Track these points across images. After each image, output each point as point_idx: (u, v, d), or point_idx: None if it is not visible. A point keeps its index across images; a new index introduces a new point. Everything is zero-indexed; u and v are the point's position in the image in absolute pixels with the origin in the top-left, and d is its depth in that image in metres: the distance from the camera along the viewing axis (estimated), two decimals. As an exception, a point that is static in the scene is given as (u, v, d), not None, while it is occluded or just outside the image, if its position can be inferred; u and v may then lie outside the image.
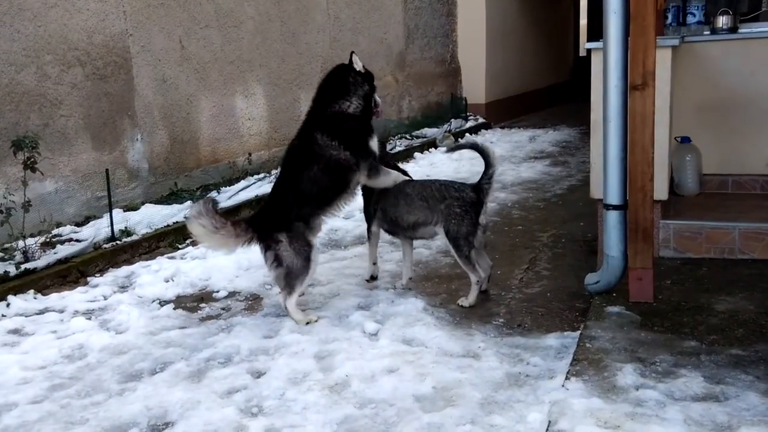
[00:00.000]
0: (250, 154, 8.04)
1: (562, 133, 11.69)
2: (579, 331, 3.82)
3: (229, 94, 7.86)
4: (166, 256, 5.74)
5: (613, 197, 3.73)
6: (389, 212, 4.54)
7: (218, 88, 7.69)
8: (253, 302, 4.70)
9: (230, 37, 7.76)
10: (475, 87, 12.60)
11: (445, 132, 11.01)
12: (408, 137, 10.61)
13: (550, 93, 15.77)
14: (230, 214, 6.76)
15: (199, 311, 4.59)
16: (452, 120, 11.66)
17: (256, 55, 8.15)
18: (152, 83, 6.91)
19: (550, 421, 2.74)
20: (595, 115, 4.40)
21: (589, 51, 4.35)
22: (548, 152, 10.02)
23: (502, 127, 12.60)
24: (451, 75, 12.58)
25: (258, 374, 3.63)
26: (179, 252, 5.84)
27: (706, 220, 4.42)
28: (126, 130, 6.68)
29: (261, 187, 7.45)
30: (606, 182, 3.74)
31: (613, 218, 3.76)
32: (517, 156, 9.78)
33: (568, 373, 3.14)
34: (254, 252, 5.58)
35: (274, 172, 7.93)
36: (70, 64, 6.09)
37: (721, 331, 3.40)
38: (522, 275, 4.92)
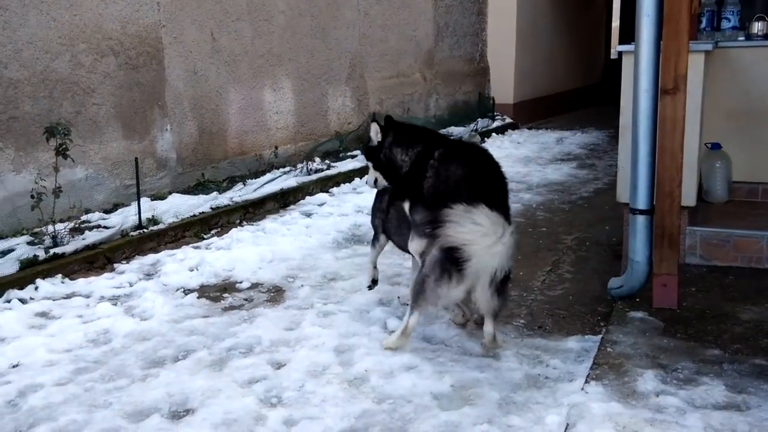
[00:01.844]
0: (276, 148, 8.09)
1: (590, 136, 11.59)
2: (600, 335, 3.81)
3: (258, 88, 7.91)
4: (191, 245, 5.81)
5: (641, 202, 3.71)
6: (391, 233, 4.26)
7: (247, 81, 7.75)
8: (276, 294, 4.74)
9: (261, 31, 7.82)
10: (503, 87, 12.53)
11: (472, 131, 10.97)
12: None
13: (579, 95, 15.63)
14: (256, 206, 6.85)
15: (222, 301, 4.64)
16: (479, 119, 11.62)
17: (286, 50, 8.20)
18: (183, 74, 6.98)
19: (568, 424, 2.74)
20: (625, 119, 4.37)
21: (620, 54, 4.31)
22: (575, 154, 9.95)
23: (530, 128, 12.52)
24: (479, 74, 12.54)
25: (278, 365, 3.66)
26: (204, 242, 5.91)
27: (734, 228, 4.37)
28: (156, 120, 6.76)
29: (286, 180, 7.51)
30: (634, 187, 3.72)
31: (639, 223, 3.74)
32: (543, 157, 9.73)
33: (588, 376, 3.13)
34: (277, 244, 5.70)
35: (299, 165, 7.98)
36: (104, 53, 6.18)
37: (745, 341, 3.37)
38: (545, 277, 4.90)
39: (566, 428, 2.72)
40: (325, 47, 8.83)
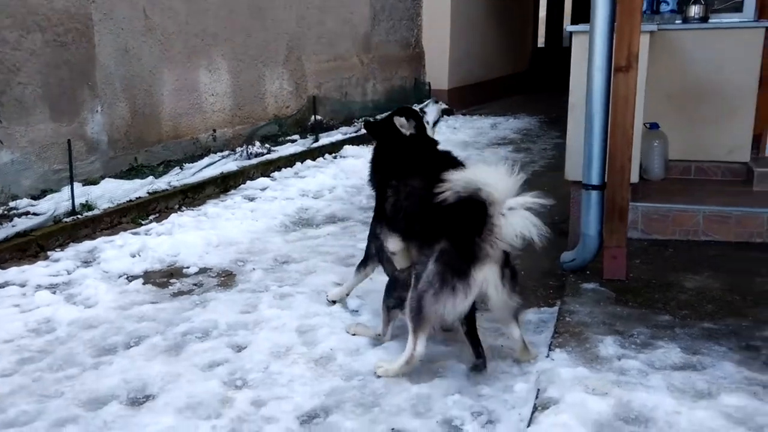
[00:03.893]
0: (214, 131, 7.92)
1: (522, 121, 11.85)
2: (555, 307, 3.92)
3: (193, 68, 7.70)
4: (129, 231, 5.61)
5: (594, 177, 3.81)
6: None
7: (182, 61, 7.52)
8: (226, 278, 4.64)
9: (195, 9, 7.59)
10: (438, 73, 12.64)
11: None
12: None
13: (509, 82, 15.95)
14: (195, 191, 6.68)
15: (170, 287, 4.51)
16: (416, 105, 11.65)
17: (222, 29, 8.00)
18: (114, 53, 6.71)
19: (539, 389, 2.80)
20: (574, 98, 4.48)
21: (570, 34, 4.41)
22: (510, 139, 10.15)
23: (464, 114, 12.69)
24: (415, 59, 12.60)
25: (239, 348, 3.59)
26: (143, 228, 5.72)
27: (673, 203, 4.56)
28: (86, 101, 6.48)
29: (226, 164, 7.36)
30: (588, 163, 3.82)
31: (592, 198, 3.85)
32: (480, 142, 9.88)
33: (551, 344, 3.21)
34: (222, 229, 5.58)
35: (239, 149, 7.82)
36: (30, 29, 5.87)
37: (691, 307, 3.53)
38: (494, 255, 4.98)
39: (537, 393, 2.79)
40: (262, 28, 8.66)
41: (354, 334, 3.63)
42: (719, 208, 4.45)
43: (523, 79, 17.02)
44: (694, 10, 4.92)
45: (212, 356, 3.49)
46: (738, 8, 5.03)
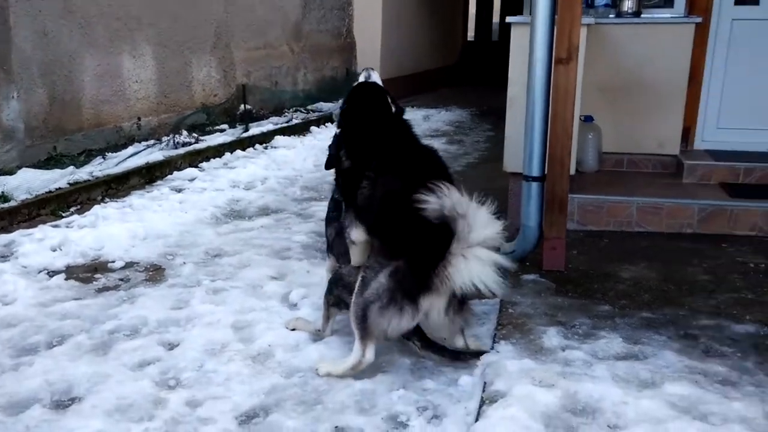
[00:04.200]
0: (139, 119, 7.58)
1: (454, 114, 11.90)
2: (497, 298, 3.90)
3: (116, 53, 7.34)
4: (49, 224, 5.28)
5: (535, 169, 3.82)
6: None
7: (104, 45, 7.15)
8: (155, 273, 4.43)
9: (119, -8, 7.24)
10: (370, 64, 12.45)
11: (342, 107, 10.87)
12: (303, 111, 10.41)
13: (440, 75, 16.00)
14: (119, 181, 6.38)
15: (94, 282, 4.26)
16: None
17: (146, 13, 7.65)
18: (31, 36, 6.31)
19: (485, 383, 2.77)
20: (513, 90, 4.48)
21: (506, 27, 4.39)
22: (443, 131, 10.17)
23: (395, 105, 12.63)
24: (346, 50, 12.45)
25: (170, 346, 3.42)
26: (64, 220, 5.40)
27: (607, 194, 4.63)
28: (0, 86, 6.07)
29: (151, 154, 7.05)
30: (529, 155, 3.81)
31: (533, 189, 3.85)
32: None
33: (495, 336, 3.18)
34: (150, 221, 5.33)
35: (165, 138, 7.52)
36: (-63, 9, 5.45)
37: (629, 297, 3.58)
38: (432, 246, 4.94)
39: (484, 387, 2.75)
40: (189, 13, 8.35)
41: (293, 329, 3.51)
42: (652, 199, 4.55)
43: (453, 73, 17.13)
44: (628, 5, 5.00)
45: (142, 355, 3.31)
46: (669, 4, 5.15)
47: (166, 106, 8.10)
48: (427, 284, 2.82)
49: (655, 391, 2.58)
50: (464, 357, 3.09)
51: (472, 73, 18.00)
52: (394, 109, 3.27)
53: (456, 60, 17.77)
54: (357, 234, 3.17)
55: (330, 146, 3.46)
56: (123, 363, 3.22)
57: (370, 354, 3.01)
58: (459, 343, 3.18)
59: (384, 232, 3.00)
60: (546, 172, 3.84)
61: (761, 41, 5.03)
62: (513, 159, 4.59)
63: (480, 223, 2.76)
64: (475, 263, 2.76)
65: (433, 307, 2.87)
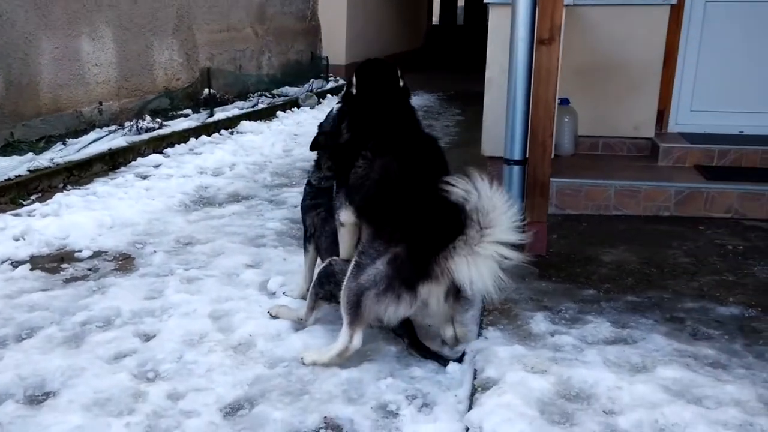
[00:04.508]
0: (100, 103, 7.32)
1: (422, 99, 11.83)
2: (479, 285, 3.87)
3: (74, 36, 7.06)
4: (9, 213, 5.07)
5: (516, 152, 3.76)
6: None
7: (62, 27, 6.87)
8: (125, 262, 4.28)
9: (77, -29, 6.96)
10: (335, 47, 12.38)
11: (308, 91, 10.73)
12: (269, 95, 10.22)
13: (405, 59, 15.89)
14: (81, 168, 6.17)
15: (61, 272, 4.10)
16: (313, 80, 11.38)
17: (106, -6, 7.39)
18: (-15, 16, 6.03)
19: (476, 369, 2.72)
20: (491, 72, 4.43)
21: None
22: (411, 115, 10.08)
23: (361, 90, 12.50)
24: (311, 33, 12.26)
25: (147, 337, 3.30)
26: (25, 209, 5.19)
27: (585, 178, 4.62)
28: (-47, 69, 5.80)
29: (114, 140, 6.83)
30: (510, 137, 3.76)
31: (514, 173, 3.80)
32: (381, 117, 9.75)
33: (482, 322, 3.14)
34: (116, 209, 5.16)
35: (127, 124, 7.29)
36: None
37: (613, 281, 3.57)
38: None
39: (475, 374, 2.70)
40: (150, -6, 8.09)
41: (276, 316, 3.41)
42: (629, 182, 4.56)
43: (418, 57, 17.06)
44: (604, -13, 4.98)
45: (118, 347, 3.18)
46: (645, -14, 5.14)
47: (127, 91, 7.85)
48: (428, 272, 2.71)
49: (648, 375, 2.56)
50: (442, 359, 3.02)
51: (437, 57, 17.96)
52: (402, 84, 3.13)
53: (421, 44, 17.70)
54: (346, 215, 3.05)
55: (321, 124, 3.37)
56: (98, 355, 3.09)
57: (357, 340, 2.92)
58: (448, 331, 3.12)
59: (380, 216, 2.88)
60: (527, 156, 3.80)
61: (733, 23, 5.06)
62: (491, 143, 4.56)
63: (501, 227, 2.65)
64: (481, 264, 2.63)
65: (432, 295, 2.77)
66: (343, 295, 2.90)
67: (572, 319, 3.12)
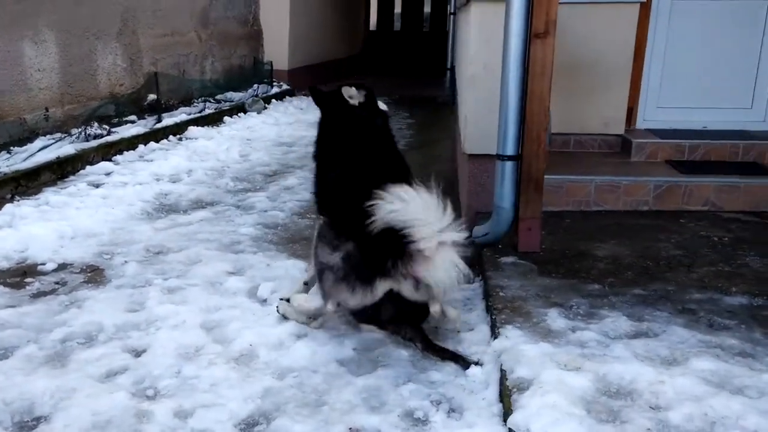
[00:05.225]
0: (47, 110, 6.90)
1: (368, 102, 11.73)
2: (476, 283, 3.79)
3: (15, 40, 6.63)
4: (-44, 226, 4.68)
5: (510, 148, 3.70)
6: None
7: (2, 30, 6.45)
8: (93, 274, 4.00)
9: (16, -30, 6.54)
10: (278, 53, 12.14)
11: (254, 96, 10.47)
12: (213, 100, 9.90)
13: (346, 64, 15.80)
14: (29, 177, 5.78)
15: (27, 287, 3.79)
16: (257, 85, 11.12)
17: (48, -5, 6.98)
18: None
19: (504, 370, 2.61)
20: (474, 69, 4.38)
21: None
22: (363, 119, 9.97)
23: (306, 95, 12.31)
24: (253, 38, 11.98)
25: (137, 352, 3.06)
26: (-27, 221, 4.81)
27: (565, 174, 4.59)
28: None
29: (62, 147, 6.44)
30: (504, 133, 3.69)
31: (507, 169, 3.74)
32: (333, 122, 9.60)
33: (495, 321, 3.04)
34: (75, 219, 4.83)
35: (74, 131, 6.89)
36: None
37: (613, 274, 3.53)
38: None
39: (504, 374, 2.59)
40: (93, -4, 7.70)
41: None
42: (609, 177, 4.56)
43: (358, 62, 16.97)
44: (576, -16, 4.99)
45: (108, 364, 2.94)
46: (617, -17, 5.19)
47: (71, 97, 7.43)
48: (384, 272, 2.81)
49: (683, 368, 2.51)
50: (463, 361, 2.93)
51: (376, 62, 17.93)
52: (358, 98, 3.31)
53: (360, 50, 17.62)
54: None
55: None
56: (88, 374, 2.84)
57: (331, 307, 3.04)
58: (435, 308, 3.00)
59: (334, 213, 3.07)
60: (521, 151, 3.74)
61: (698, 21, 5.15)
62: (475, 141, 4.48)
63: (432, 217, 2.74)
64: (438, 264, 2.74)
65: (397, 289, 2.87)
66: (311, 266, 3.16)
67: (586, 314, 3.06)
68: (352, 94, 3.28)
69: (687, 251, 3.82)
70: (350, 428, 2.51)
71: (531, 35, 3.56)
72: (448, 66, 13.70)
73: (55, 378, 2.79)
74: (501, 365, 2.68)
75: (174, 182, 6.11)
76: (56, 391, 2.70)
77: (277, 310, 3.32)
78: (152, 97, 8.67)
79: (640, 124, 5.39)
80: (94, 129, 7.00)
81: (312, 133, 3.44)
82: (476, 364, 2.87)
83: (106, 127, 7.27)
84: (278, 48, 12.27)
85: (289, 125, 9.16)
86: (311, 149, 3.42)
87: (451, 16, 13.35)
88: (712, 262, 3.65)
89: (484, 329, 3.18)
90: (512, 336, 2.84)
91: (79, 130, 6.87)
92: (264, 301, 3.57)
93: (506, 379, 2.55)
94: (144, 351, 3.06)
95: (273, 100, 11.04)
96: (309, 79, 13.08)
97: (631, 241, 4.00)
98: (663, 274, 3.50)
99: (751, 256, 3.71)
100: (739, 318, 2.97)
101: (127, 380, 2.81)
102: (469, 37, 4.66)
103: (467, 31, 4.99)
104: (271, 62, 11.75)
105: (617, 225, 4.32)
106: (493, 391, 2.65)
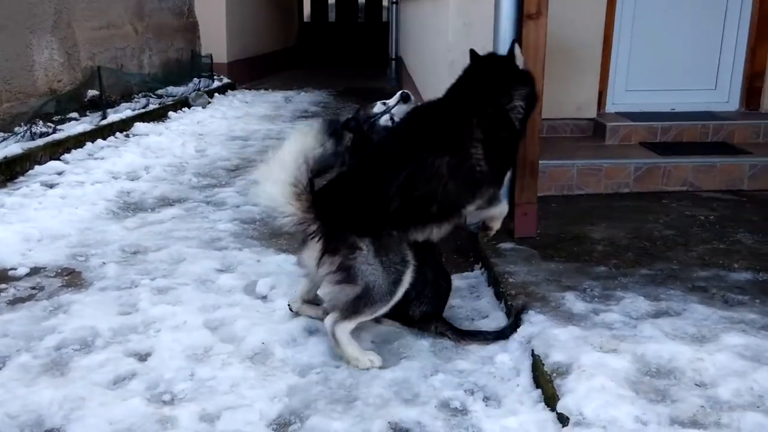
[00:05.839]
0: (-13, 106, 6.45)
1: (313, 95, 11.56)
2: (476, 271, 3.76)
3: (-54, 31, 6.17)
4: None
5: (505, 132, 3.66)
6: None
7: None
8: (71, 277, 3.75)
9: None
10: (216, 45, 11.80)
11: (196, 90, 10.14)
12: (153, 95, 9.52)
13: (281, 57, 15.55)
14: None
15: (1, 293, 3.51)
16: (197, 79, 10.76)
17: (-20, -16, 6.52)
18: None
19: (538, 355, 2.58)
20: (453, 55, 4.34)
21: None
22: (313, 111, 9.81)
23: (248, 89, 12.04)
24: (189, 30, 11.58)
25: (141, 356, 2.88)
26: (-73, 226, 4.44)
27: (547, 159, 4.61)
28: None
29: (7, 147, 6.04)
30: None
31: (504, 154, 3.70)
32: (284, 115, 9.40)
33: (510, 307, 3.00)
34: (38, 221, 4.53)
35: (18, 129, 6.47)
36: None
37: (615, 256, 3.56)
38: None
39: (538, 359, 2.56)
40: (28, -15, 7.24)
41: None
42: (590, 161, 4.62)
43: (293, 54, 16.74)
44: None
45: (114, 370, 2.74)
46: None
47: (9, 94, 6.96)
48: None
49: (716, 344, 2.53)
50: (505, 333, 2.91)
51: (311, 54, 17.74)
52: None
53: (295, 41, 17.38)
54: None
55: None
56: (94, 382, 2.65)
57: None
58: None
59: None
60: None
61: (663, 3, 5.27)
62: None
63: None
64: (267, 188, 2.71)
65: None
66: None
67: (602, 296, 3.06)
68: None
69: (678, 231, 3.89)
70: (389, 423, 2.41)
71: (523, 16, 3.53)
72: (392, 56, 13.67)
73: (60, 387, 2.59)
74: (532, 350, 2.64)
75: (133, 180, 5.83)
76: (64, 401, 2.50)
77: (290, 308, 3.17)
78: (93, 92, 8.28)
79: (610, 107, 5.48)
80: (39, 127, 6.61)
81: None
82: (516, 325, 2.85)
83: (51, 124, 6.88)
84: (216, 40, 11.95)
85: (238, 119, 8.89)
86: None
87: (393, 6, 13.32)
88: (706, 240, 3.73)
89: (500, 315, 3.14)
90: (536, 321, 2.81)
91: (24, 128, 6.46)
92: (264, 298, 3.42)
93: (542, 365, 2.52)
94: (149, 354, 2.88)
95: (216, 94, 10.73)
96: (248, 72, 12.83)
97: (622, 223, 4.05)
98: (663, 254, 3.55)
99: (741, 233, 3.82)
100: (751, 293, 3.03)
101: (139, 385, 2.63)
102: (446, 24, 4.62)
103: (440, 17, 4.95)
104: (211, 55, 11.40)
105: (603, 207, 4.37)
106: (525, 377, 2.61)
